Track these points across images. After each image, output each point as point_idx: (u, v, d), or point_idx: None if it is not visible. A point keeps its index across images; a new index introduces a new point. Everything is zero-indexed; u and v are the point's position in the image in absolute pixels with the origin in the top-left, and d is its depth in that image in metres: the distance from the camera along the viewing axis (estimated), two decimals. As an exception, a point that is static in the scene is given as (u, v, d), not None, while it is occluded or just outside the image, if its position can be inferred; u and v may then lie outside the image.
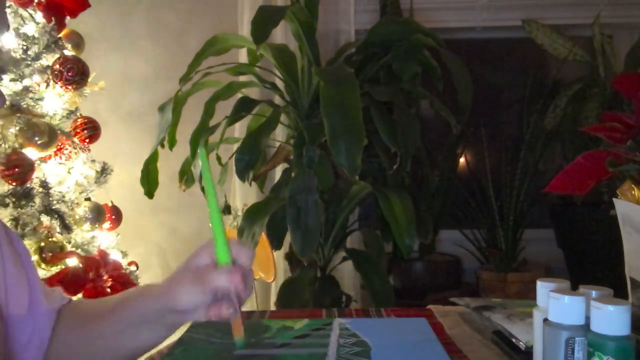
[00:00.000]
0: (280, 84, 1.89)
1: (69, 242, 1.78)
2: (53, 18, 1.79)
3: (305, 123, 1.73)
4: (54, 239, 1.73)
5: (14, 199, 1.68)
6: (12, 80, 1.69)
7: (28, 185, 1.70)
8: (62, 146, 1.83)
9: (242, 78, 1.98)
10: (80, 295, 1.66)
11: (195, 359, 0.74)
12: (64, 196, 1.79)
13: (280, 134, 2.03)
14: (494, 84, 2.65)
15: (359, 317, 0.94)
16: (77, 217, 1.82)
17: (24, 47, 1.73)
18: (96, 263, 1.72)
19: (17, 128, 1.66)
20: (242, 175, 1.57)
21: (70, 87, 1.80)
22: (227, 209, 1.86)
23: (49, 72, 1.78)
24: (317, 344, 0.78)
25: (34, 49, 1.74)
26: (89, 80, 1.85)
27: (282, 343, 0.79)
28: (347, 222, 1.88)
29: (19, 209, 1.68)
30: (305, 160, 1.61)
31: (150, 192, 1.87)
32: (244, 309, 0.76)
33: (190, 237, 2.35)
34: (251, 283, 0.68)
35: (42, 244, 1.69)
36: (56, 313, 0.77)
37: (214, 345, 0.78)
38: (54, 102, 1.81)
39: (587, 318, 0.54)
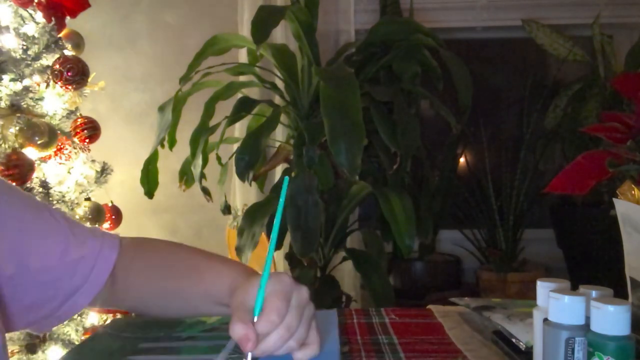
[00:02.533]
0: (280, 84, 1.89)
1: (69, 242, 1.77)
2: (53, 18, 1.78)
3: (305, 123, 1.73)
4: (54, 239, 1.73)
5: (14, 199, 1.67)
6: (12, 80, 1.69)
7: (28, 185, 1.70)
8: (62, 146, 1.83)
9: (242, 78, 1.98)
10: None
11: (101, 352, 0.75)
12: (64, 196, 1.79)
13: (280, 134, 2.03)
14: (494, 84, 2.65)
15: (358, 316, 0.94)
16: (77, 217, 1.82)
17: (24, 47, 1.73)
18: (96, 263, 1.72)
19: (17, 128, 1.66)
20: (242, 175, 1.56)
21: (70, 87, 1.80)
22: (227, 209, 1.86)
23: (49, 72, 1.78)
24: (221, 336, 0.78)
25: (34, 49, 1.74)
26: (89, 80, 1.85)
27: (189, 336, 0.80)
28: (347, 222, 1.88)
29: (19, 209, 1.68)
30: (305, 160, 1.61)
31: (150, 192, 1.87)
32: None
33: (190, 237, 2.35)
34: (292, 344, 0.62)
35: (42, 244, 1.69)
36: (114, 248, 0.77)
37: (121, 340, 0.79)
38: (54, 102, 1.81)
39: (587, 318, 0.54)
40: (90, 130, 1.87)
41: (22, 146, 1.68)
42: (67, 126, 1.86)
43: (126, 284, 0.77)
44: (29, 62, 1.73)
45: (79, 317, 1.78)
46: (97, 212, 1.85)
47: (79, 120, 1.87)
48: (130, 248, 0.79)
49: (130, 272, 0.78)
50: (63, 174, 1.84)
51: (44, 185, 1.75)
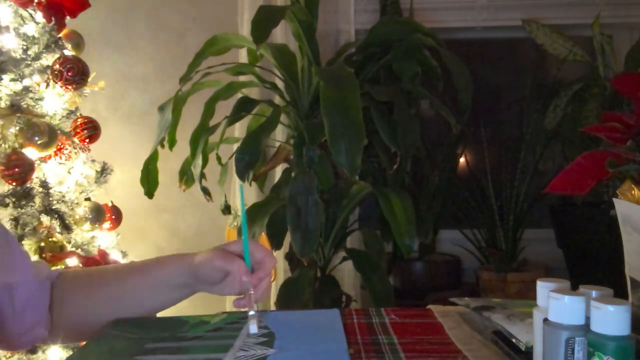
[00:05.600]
0: (280, 84, 1.89)
1: (69, 242, 1.78)
2: (53, 18, 1.78)
3: (305, 123, 1.73)
4: (54, 239, 1.73)
5: (14, 199, 1.67)
6: (12, 80, 1.69)
7: (28, 185, 1.70)
8: (62, 146, 1.83)
9: (242, 78, 1.98)
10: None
11: (106, 353, 0.75)
12: (64, 196, 1.79)
13: (280, 134, 2.03)
14: (494, 84, 2.65)
15: (358, 317, 0.94)
16: (77, 217, 1.82)
17: (24, 47, 1.73)
18: (96, 263, 1.72)
19: (17, 128, 1.66)
20: (242, 175, 1.56)
21: (70, 87, 1.80)
22: (227, 209, 1.86)
23: (49, 72, 1.78)
24: (227, 336, 0.79)
25: (34, 49, 1.74)
26: (89, 80, 1.85)
27: (194, 336, 0.79)
28: (347, 222, 1.88)
29: (19, 209, 1.68)
30: (305, 160, 1.61)
31: (150, 192, 1.87)
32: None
33: (190, 237, 2.35)
34: (268, 284, 0.86)
35: (42, 244, 1.69)
36: (50, 282, 0.87)
37: (126, 341, 0.78)
38: (54, 102, 1.81)
39: (587, 318, 0.54)
40: (90, 130, 1.87)
41: (22, 146, 1.68)
42: (67, 126, 1.86)
43: (69, 300, 0.86)
44: (29, 62, 1.73)
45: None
46: (97, 212, 1.85)
47: (79, 120, 1.87)
48: (68, 273, 0.90)
49: (71, 290, 0.87)
50: (63, 174, 1.84)
51: (44, 185, 1.75)
